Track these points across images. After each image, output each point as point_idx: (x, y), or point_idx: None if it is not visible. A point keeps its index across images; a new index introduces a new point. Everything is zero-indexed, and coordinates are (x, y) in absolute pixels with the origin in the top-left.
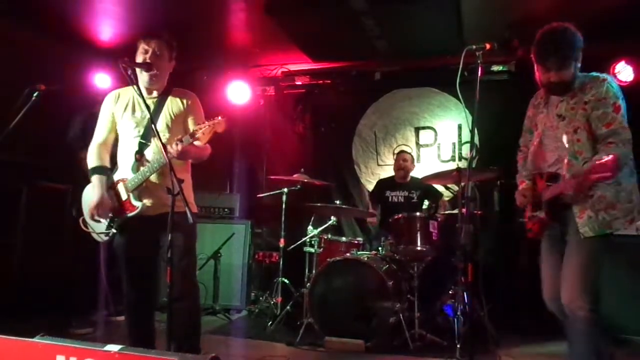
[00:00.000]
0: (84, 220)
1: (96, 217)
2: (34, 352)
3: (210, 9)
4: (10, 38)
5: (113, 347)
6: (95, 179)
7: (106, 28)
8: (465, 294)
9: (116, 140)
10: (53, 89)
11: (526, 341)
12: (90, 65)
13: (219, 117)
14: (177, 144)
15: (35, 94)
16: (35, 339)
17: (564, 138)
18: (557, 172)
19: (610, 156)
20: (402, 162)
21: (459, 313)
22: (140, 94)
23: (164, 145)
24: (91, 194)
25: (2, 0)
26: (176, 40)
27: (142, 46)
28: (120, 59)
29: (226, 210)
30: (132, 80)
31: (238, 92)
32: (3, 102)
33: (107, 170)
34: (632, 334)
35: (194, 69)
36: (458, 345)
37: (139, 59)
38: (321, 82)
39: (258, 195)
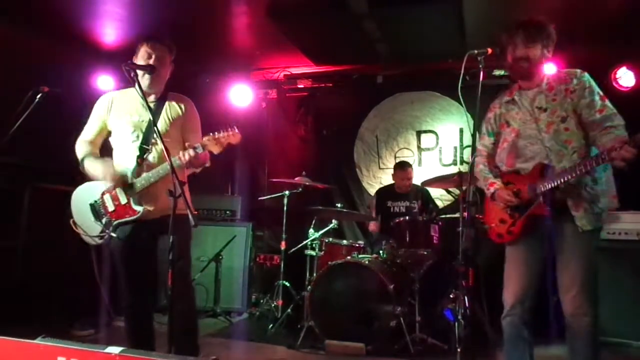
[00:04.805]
0: (74, 222)
1: (117, 187)
2: (36, 354)
3: (213, 13)
4: (12, 40)
5: (114, 349)
6: (88, 160)
7: (109, 30)
8: (466, 297)
9: (103, 143)
10: (56, 91)
11: None
12: (93, 68)
13: (235, 129)
14: (185, 153)
15: (38, 96)
16: (37, 341)
17: (550, 128)
18: (546, 162)
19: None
20: (407, 179)
21: (459, 317)
22: (143, 97)
23: (167, 150)
24: (86, 188)
25: (4, 3)
26: (179, 44)
27: (144, 50)
28: (123, 61)
29: (227, 212)
30: (135, 82)
31: (240, 95)
32: (6, 104)
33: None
34: (634, 339)
35: (196, 72)
36: (459, 350)
37: (141, 62)
38: (323, 85)
39: (259, 198)
